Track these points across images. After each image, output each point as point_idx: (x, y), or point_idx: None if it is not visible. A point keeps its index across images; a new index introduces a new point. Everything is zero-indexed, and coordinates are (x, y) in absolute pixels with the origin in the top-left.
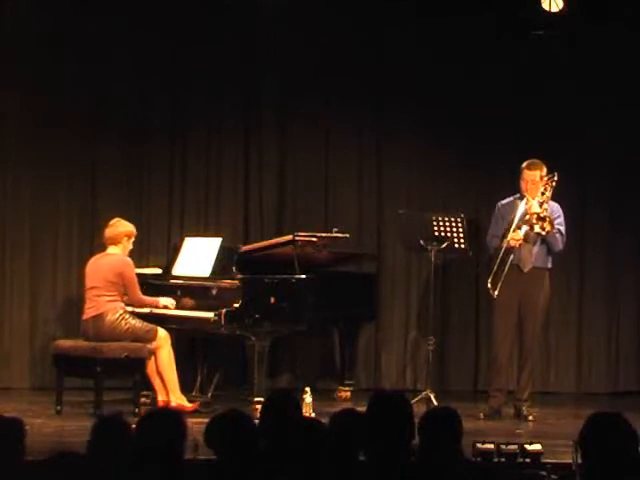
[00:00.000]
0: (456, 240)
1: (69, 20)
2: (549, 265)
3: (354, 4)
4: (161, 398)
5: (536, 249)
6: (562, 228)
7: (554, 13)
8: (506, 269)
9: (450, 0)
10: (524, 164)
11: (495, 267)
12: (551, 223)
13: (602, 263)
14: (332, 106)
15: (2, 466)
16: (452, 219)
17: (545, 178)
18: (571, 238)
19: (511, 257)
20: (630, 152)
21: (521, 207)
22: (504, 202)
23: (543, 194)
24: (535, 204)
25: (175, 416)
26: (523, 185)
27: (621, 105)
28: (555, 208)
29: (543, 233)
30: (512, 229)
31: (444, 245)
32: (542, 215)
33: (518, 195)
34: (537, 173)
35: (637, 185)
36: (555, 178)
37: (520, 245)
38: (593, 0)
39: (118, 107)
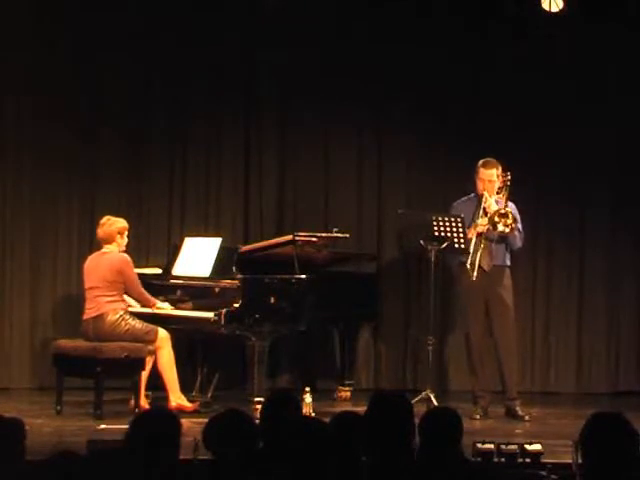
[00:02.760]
0: (456, 240)
1: (69, 20)
2: (508, 262)
3: (354, 4)
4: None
5: (494, 247)
6: (520, 226)
7: (554, 13)
8: (479, 254)
9: (450, 0)
10: (480, 162)
11: (471, 251)
12: (514, 219)
13: (602, 263)
14: (332, 106)
15: (2, 466)
16: (452, 219)
17: (501, 176)
18: (571, 238)
19: (482, 243)
20: (630, 152)
21: (480, 207)
22: (459, 201)
23: (498, 193)
24: (493, 202)
25: (169, 416)
26: (480, 184)
27: (621, 105)
28: (511, 207)
29: (507, 231)
30: (479, 217)
31: (444, 245)
32: (503, 212)
33: (473, 194)
34: (494, 172)
35: (637, 185)
36: (509, 177)
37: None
38: (593, 0)
39: (118, 107)
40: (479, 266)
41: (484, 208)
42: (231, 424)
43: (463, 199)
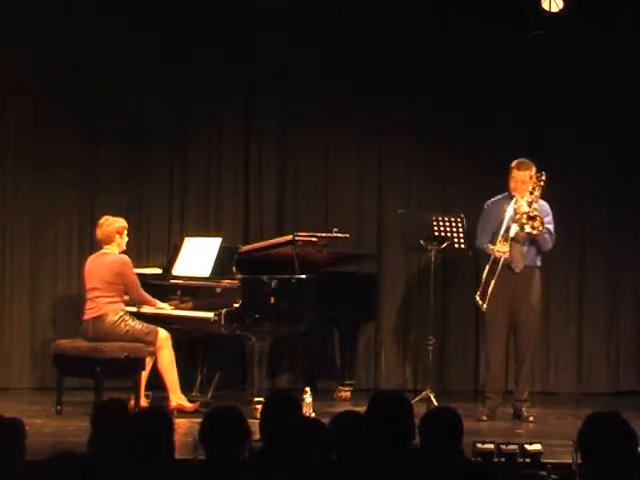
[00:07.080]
0: (456, 240)
1: (69, 20)
2: (538, 263)
3: (354, 5)
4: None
5: (525, 249)
6: (551, 227)
7: (554, 13)
8: (495, 279)
9: (449, 1)
10: (513, 163)
11: (484, 277)
12: (541, 222)
13: (602, 263)
14: (332, 106)
15: (2, 466)
16: (452, 219)
17: (534, 177)
18: (571, 238)
19: (499, 265)
20: (631, 151)
21: (510, 207)
22: (492, 200)
23: (532, 193)
24: (524, 204)
25: (162, 414)
26: (512, 184)
27: (621, 104)
28: (544, 207)
29: (534, 232)
30: (499, 238)
31: (444, 245)
32: (532, 214)
33: (506, 194)
34: (527, 173)
35: (637, 185)
36: (543, 177)
37: (510, 249)
38: (593, 0)
39: (118, 107)
40: (509, 267)
41: (515, 210)
42: (222, 421)
43: (497, 197)
